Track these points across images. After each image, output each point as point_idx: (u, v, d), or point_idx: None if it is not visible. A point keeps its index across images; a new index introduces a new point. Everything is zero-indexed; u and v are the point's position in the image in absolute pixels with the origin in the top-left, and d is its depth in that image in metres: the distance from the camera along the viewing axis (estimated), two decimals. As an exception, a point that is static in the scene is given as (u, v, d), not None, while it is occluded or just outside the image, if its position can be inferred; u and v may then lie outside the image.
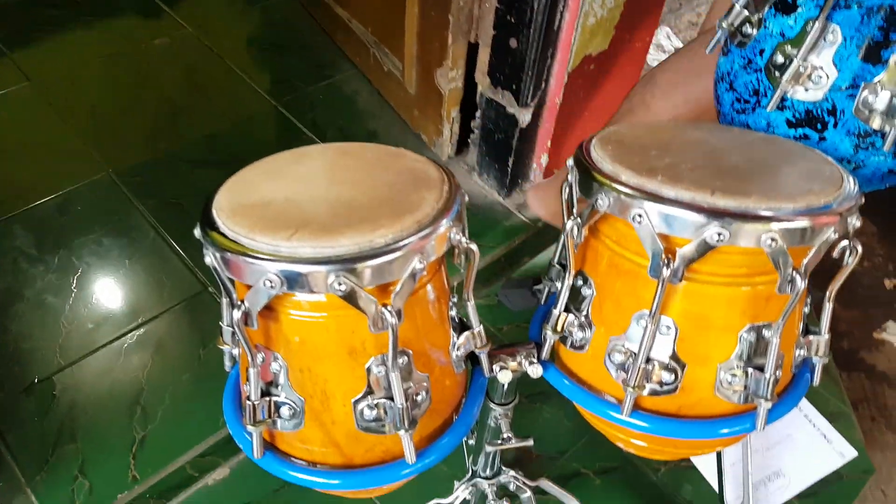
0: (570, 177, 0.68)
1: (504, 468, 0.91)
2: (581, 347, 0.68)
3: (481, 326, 0.66)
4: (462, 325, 0.68)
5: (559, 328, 0.69)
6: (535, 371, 0.69)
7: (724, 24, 0.79)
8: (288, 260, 0.53)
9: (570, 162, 0.69)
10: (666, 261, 0.58)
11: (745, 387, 0.62)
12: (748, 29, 0.77)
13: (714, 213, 0.55)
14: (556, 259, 0.78)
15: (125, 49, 1.82)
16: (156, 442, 1.06)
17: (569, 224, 0.65)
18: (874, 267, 1.87)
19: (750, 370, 0.62)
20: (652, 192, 0.58)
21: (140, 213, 1.42)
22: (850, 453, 1.15)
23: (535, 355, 0.71)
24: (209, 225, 0.59)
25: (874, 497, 1.31)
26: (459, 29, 1.28)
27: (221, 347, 0.66)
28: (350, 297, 0.53)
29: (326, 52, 1.82)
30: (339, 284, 0.52)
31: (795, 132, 0.75)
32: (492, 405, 0.77)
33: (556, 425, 1.20)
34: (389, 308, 0.55)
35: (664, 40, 2.48)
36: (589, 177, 0.63)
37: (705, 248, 0.56)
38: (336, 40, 1.82)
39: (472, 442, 0.88)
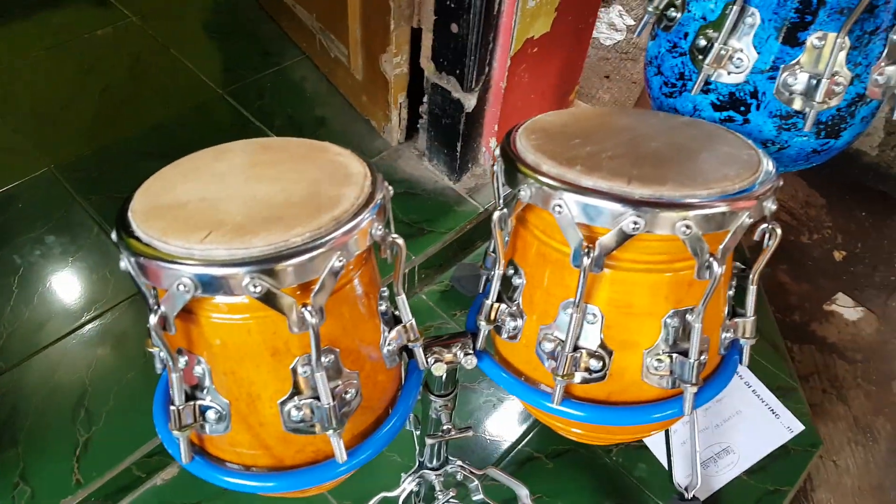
0: (496, 167, 0.68)
1: (451, 458, 0.92)
2: (514, 337, 0.69)
3: (413, 319, 0.66)
4: (395, 319, 0.68)
5: (492, 318, 0.69)
6: (470, 362, 0.70)
7: (651, 8, 0.80)
8: (201, 263, 0.52)
9: (497, 151, 0.69)
10: (587, 250, 0.58)
11: (671, 371, 0.63)
12: (673, 13, 0.77)
13: (630, 202, 0.55)
14: (491, 247, 0.78)
15: (67, 40, 1.77)
16: (100, 444, 1.04)
17: (496, 215, 0.65)
18: (823, 239, 1.91)
19: (675, 355, 0.63)
20: (570, 183, 0.58)
21: (83, 209, 1.38)
22: (798, 427, 1.18)
23: (471, 346, 0.71)
24: (124, 228, 0.57)
25: (826, 468, 1.35)
26: (401, 14, 1.26)
27: (150, 350, 0.65)
28: (267, 299, 0.52)
29: (273, 38, 1.79)
30: (255, 286, 0.51)
31: (721, 115, 0.76)
32: (431, 397, 0.77)
33: (508, 410, 1.21)
34: (309, 308, 0.54)
35: (616, 18, 2.48)
36: (513, 167, 0.63)
37: (623, 237, 0.57)
38: (282, 27, 1.79)
39: (418, 433, 0.88)
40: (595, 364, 0.64)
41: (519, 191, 0.61)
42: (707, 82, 0.75)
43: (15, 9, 1.84)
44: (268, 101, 1.63)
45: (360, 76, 1.49)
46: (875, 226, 1.93)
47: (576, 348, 0.63)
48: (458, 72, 1.26)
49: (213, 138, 0.66)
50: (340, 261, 0.54)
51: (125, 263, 0.55)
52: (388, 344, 0.65)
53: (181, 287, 0.52)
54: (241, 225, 0.53)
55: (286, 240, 0.52)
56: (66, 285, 1.26)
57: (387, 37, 1.30)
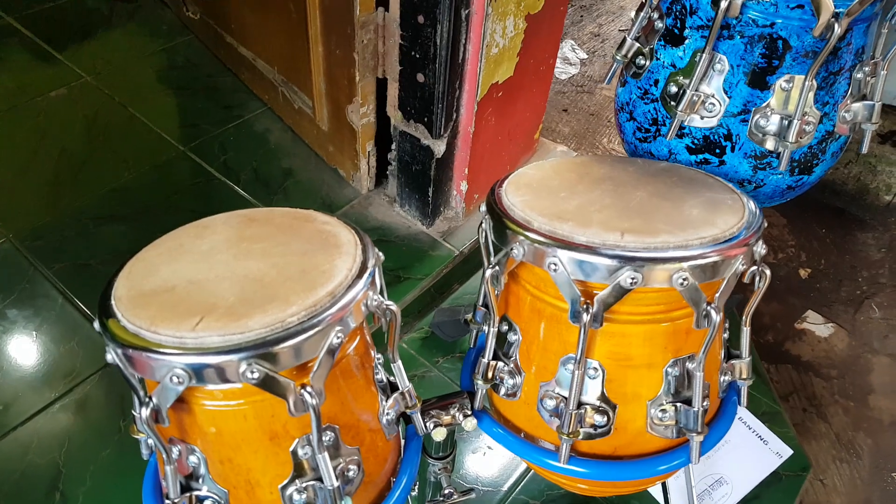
0: (484, 223, 0.68)
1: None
2: (513, 395, 0.68)
3: (410, 385, 0.65)
4: (391, 386, 0.66)
5: (490, 376, 0.68)
6: (470, 424, 0.68)
7: (619, 56, 0.81)
8: (195, 351, 0.50)
9: (483, 207, 0.69)
10: (585, 306, 0.58)
11: (676, 421, 0.63)
12: (642, 60, 0.79)
13: (626, 258, 0.56)
14: (480, 301, 0.78)
15: (18, 103, 1.72)
16: (79, 530, 0.99)
17: (488, 273, 0.65)
18: (788, 258, 1.96)
19: (679, 405, 0.63)
20: (564, 240, 0.58)
21: (45, 279, 1.33)
22: (786, 452, 1.19)
23: (469, 406, 0.70)
24: (109, 318, 0.55)
25: (814, 488, 1.36)
26: (366, 66, 1.26)
27: (136, 437, 0.62)
28: (265, 384, 0.50)
29: (234, 92, 1.77)
30: (253, 372, 0.49)
31: (696, 157, 0.77)
32: (430, 460, 0.76)
33: (499, 458, 1.19)
34: (309, 389, 0.52)
35: (569, 53, 2.54)
36: (502, 225, 0.63)
37: (621, 292, 0.57)
38: (243, 79, 1.78)
39: (414, 493, 0.86)
40: (599, 419, 0.63)
41: (511, 249, 0.61)
42: (680, 127, 0.76)
43: (-39, 74, 1.79)
44: (232, 155, 1.61)
45: (326, 126, 1.48)
46: (835, 242, 1.99)
47: (580, 405, 0.62)
48: (426, 119, 1.26)
49: (177, 198, 0.64)
50: (339, 337, 0.53)
51: (112, 356, 0.53)
52: (387, 413, 0.63)
53: (174, 379, 0.49)
54: (233, 307, 0.52)
55: (282, 320, 0.51)
56: (31, 361, 1.21)
57: (352, 88, 1.30)
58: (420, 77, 1.20)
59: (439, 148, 1.30)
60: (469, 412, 0.70)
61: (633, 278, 0.55)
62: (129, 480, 1.04)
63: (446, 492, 0.74)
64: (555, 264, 0.58)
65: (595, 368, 0.62)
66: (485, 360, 0.68)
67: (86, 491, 1.03)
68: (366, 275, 0.57)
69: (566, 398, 0.63)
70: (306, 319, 0.52)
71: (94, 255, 1.37)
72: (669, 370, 0.62)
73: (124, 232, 1.41)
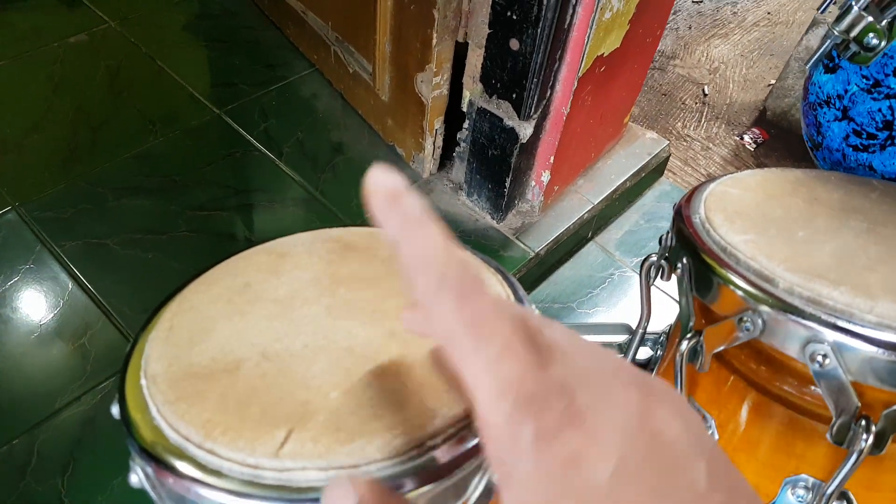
0: (678, 267, 0.47)
1: None
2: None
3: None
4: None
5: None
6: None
7: (837, 31, 0.59)
8: (279, 495, 0.30)
9: (670, 240, 0.48)
10: (863, 423, 0.38)
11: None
12: (873, 40, 0.57)
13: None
14: (630, 356, 0.57)
15: (33, 50, 1.52)
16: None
17: (684, 346, 0.44)
18: None
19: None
20: (839, 318, 0.38)
21: (55, 259, 1.14)
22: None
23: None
24: (135, 410, 0.35)
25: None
26: (446, 26, 1.04)
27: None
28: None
29: (277, 48, 1.56)
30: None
31: (957, 183, 0.56)
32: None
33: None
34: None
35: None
36: (715, 275, 0.43)
37: (939, 414, 0.36)
38: (288, 34, 1.56)
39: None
40: (839, 570, 0.43)
41: (742, 320, 0.40)
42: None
43: (-29, 12, 1.59)
44: (273, 122, 1.40)
45: (387, 96, 1.26)
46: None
47: (817, 553, 0.43)
48: (514, 96, 1.05)
49: (209, 170, 0.45)
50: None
51: (139, 477, 0.33)
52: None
53: (243, 536, 0.30)
54: (338, 414, 0.32)
55: (420, 444, 0.31)
56: (35, 360, 1.02)
57: (426, 53, 1.08)
58: (514, 44, 0.98)
59: (525, 131, 1.09)
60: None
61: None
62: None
63: None
64: (823, 355, 0.37)
65: (840, 499, 0.42)
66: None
67: (92, 531, 0.86)
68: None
69: (791, 537, 0.43)
70: (456, 444, 0.32)
71: (112, 232, 1.18)
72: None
73: (147, 208, 1.21)
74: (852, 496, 0.42)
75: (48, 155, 1.31)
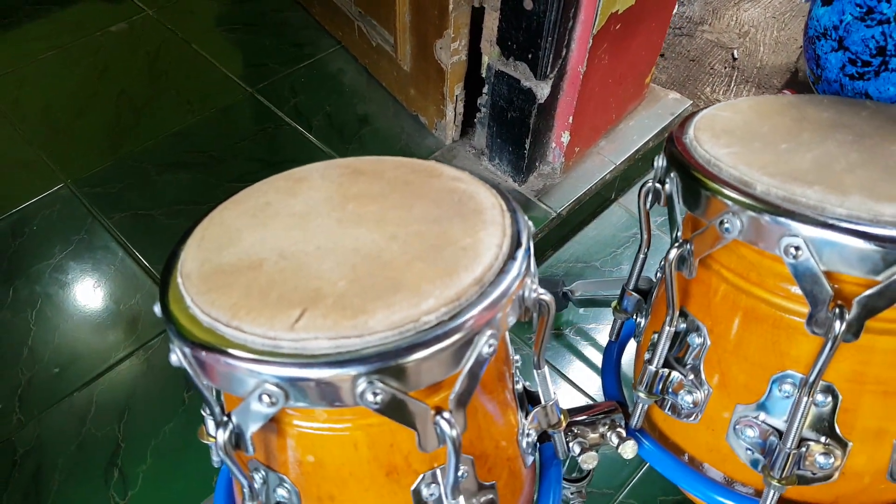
0: (668, 185, 0.50)
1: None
2: (690, 416, 0.51)
3: (556, 397, 0.49)
4: (528, 396, 0.51)
5: (662, 388, 0.52)
6: (629, 450, 0.52)
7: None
8: (294, 360, 0.35)
9: (661, 161, 0.51)
10: (838, 311, 0.41)
11: (935, 468, 0.46)
12: (866, -33, 0.58)
13: (919, 244, 0.38)
14: (631, 284, 0.60)
15: (77, 39, 1.61)
16: (139, 514, 0.89)
17: (673, 253, 0.48)
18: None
19: (944, 446, 0.45)
20: (811, 213, 0.41)
21: (105, 230, 1.22)
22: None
23: (623, 423, 0.54)
24: (173, 301, 0.40)
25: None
26: (462, -9, 1.08)
27: (205, 441, 0.48)
28: (391, 409, 0.35)
29: (303, 28, 1.61)
30: (375, 394, 0.34)
31: (946, 101, 0.57)
32: (563, 483, 0.60)
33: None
34: (447, 415, 0.37)
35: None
36: (700, 186, 0.46)
37: (901, 294, 0.39)
38: (313, 13, 1.61)
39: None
40: (823, 460, 0.46)
41: (720, 222, 0.43)
42: (924, 58, 0.56)
43: (21, 7, 1.68)
44: (303, 98, 1.45)
45: (408, 66, 1.30)
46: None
47: (801, 441, 0.45)
48: (530, 56, 1.08)
49: (244, 145, 0.49)
50: (490, 345, 0.37)
51: (178, 357, 0.38)
52: (527, 434, 0.48)
53: (265, 398, 0.35)
54: (345, 297, 0.36)
55: (415, 319, 0.35)
56: (90, 320, 1.10)
57: (444, 19, 1.12)
58: (528, 3, 1.01)
59: (542, 91, 1.12)
60: (624, 432, 0.53)
61: (927, 274, 0.37)
62: (192, 460, 0.93)
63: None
64: (795, 247, 0.40)
65: (826, 393, 0.45)
66: (652, 369, 0.51)
67: (146, 470, 0.93)
68: (521, 253, 0.40)
69: (778, 430, 0.46)
70: (448, 319, 0.36)
71: (156, 204, 1.25)
72: (939, 400, 0.44)
73: (188, 181, 1.28)
74: (837, 389, 0.45)
75: (95, 136, 1.39)
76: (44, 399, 1.01)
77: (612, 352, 0.61)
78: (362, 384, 0.34)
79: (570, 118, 1.19)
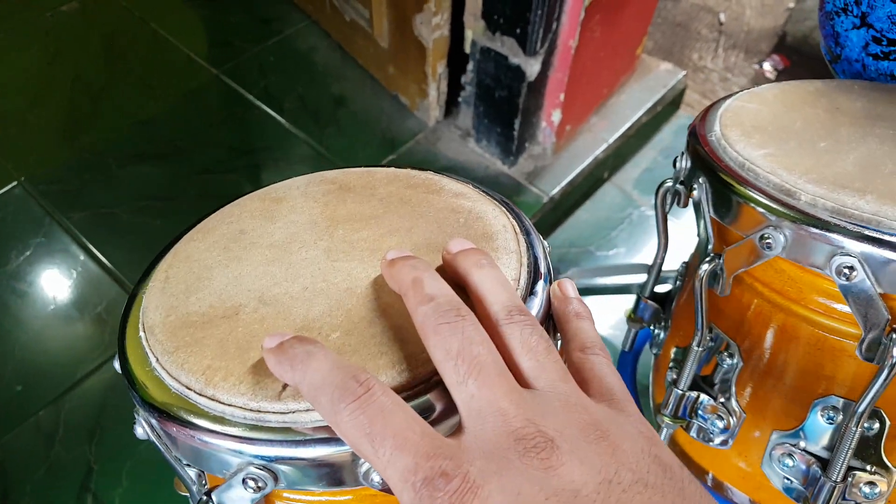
0: (696, 192, 0.45)
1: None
2: (723, 442, 0.47)
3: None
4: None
5: (689, 412, 0.47)
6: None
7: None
8: (283, 437, 0.29)
9: (685, 161, 0.46)
10: (892, 336, 0.36)
11: None
12: (896, -67, 0.53)
13: None
14: (647, 291, 0.56)
15: (25, 20, 1.49)
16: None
17: (703, 269, 0.42)
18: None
19: None
20: (865, 228, 0.36)
21: (65, 231, 1.14)
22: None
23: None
24: (137, 364, 0.34)
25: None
26: (443, -38, 1.00)
27: (182, 493, 0.42)
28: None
29: (271, 3, 1.51)
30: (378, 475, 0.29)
31: None
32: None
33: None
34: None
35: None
36: (733, 192, 0.40)
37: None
38: (281, -13, 1.51)
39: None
40: (868, 490, 0.42)
41: (763, 237, 0.38)
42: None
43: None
44: (273, 79, 1.37)
45: (386, 43, 1.23)
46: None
47: (847, 472, 0.41)
48: (518, 31, 1.01)
49: (212, 132, 0.43)
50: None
51: (144, 430, 0.32)
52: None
53: (250, 482, 0.29)
54: (341, 353, 0.30)
55: (426, 380, 0.30)
56: (53, 331, 1.03)
57: (424, -8, 1.04)
58: (515, -25, 0.94)
59: (532, 68, 1.05)
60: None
61: None
62: (172, 487, 0.88)
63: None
64: (849, 267, 0.35)
65: (871, 418, 0.41)
66: (679, 392, 0.46)
67: (122, 494, 0.87)
68: (541, 287, 0.35)
69: (821, 458, 0.42)
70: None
71: (119, 201, 1.17)
72: None
73: (153, 174, 1.20)
74: (885, 414, 0.41)
75: (50, 127, 1.29)
76: (7, 420, 0.93)
77: (628, 363, 0.56)
78: (364, 465, 0.28)
79: (562, 95, 1.13)
